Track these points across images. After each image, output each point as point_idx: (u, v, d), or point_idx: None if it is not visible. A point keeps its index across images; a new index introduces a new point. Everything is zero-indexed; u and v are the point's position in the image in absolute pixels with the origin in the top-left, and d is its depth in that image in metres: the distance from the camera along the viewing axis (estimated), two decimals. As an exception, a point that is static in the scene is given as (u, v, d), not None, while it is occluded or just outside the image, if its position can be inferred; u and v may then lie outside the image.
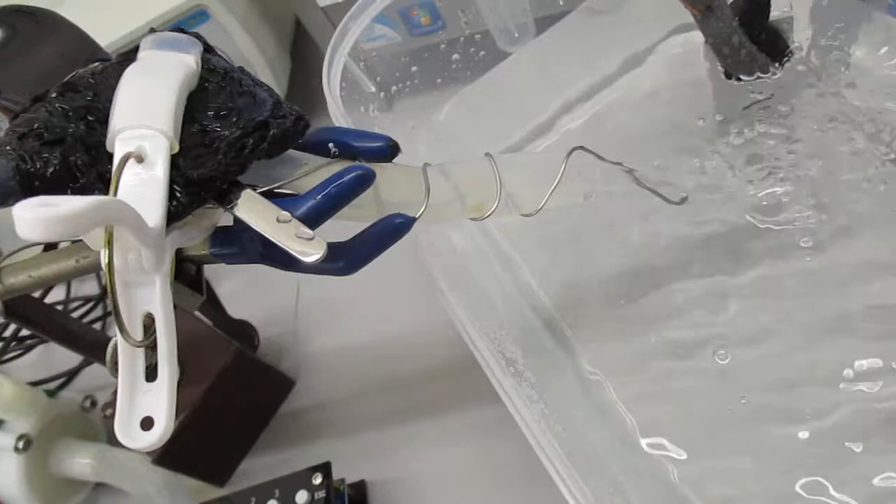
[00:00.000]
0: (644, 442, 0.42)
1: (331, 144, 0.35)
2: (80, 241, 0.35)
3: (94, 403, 0.63)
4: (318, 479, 0.48)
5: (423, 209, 0.35)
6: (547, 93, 0.56)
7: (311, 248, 0.29)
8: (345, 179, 0.31)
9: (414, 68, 0.57)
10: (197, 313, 0.58)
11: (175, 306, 0.31)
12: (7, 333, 0.76)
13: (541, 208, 0.39)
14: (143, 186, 0.29)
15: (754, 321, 0.43)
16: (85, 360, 0.71)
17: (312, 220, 0.31)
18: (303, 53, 0.80)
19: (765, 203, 0.46)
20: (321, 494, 0.48)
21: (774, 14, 0.47)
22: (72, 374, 0.72)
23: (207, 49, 0.35)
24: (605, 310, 0.48)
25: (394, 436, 0.55)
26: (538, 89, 0.56)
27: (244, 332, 0.62)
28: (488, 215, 0.37)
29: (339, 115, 0.45)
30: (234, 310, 0.64)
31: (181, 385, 0.55)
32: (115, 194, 0.28)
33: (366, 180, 0.32)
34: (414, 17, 0.65)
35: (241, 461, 0.59)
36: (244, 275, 0.69)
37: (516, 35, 0.57)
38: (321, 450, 0.58)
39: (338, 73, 0.47)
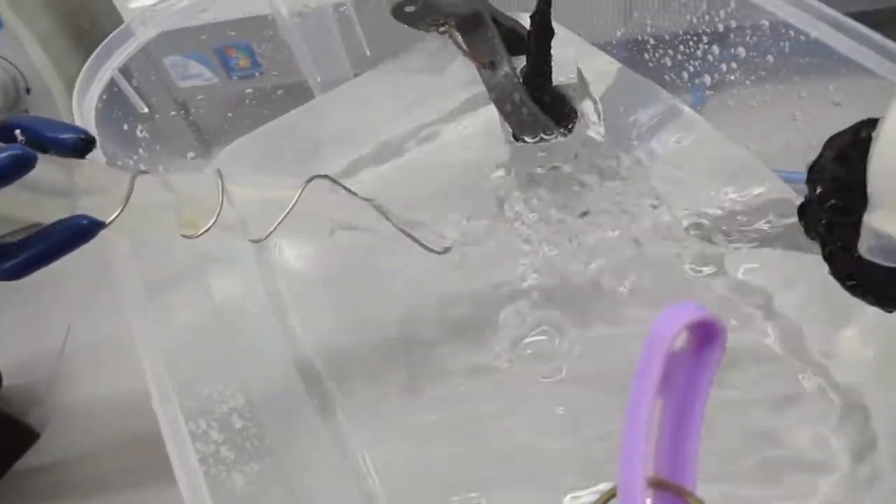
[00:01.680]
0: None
1: (17, 131, 0.31)
2: None
3: None
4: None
5: (116, 214, 0.31)
6: (348, 141, 0.54)
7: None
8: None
9: (199, 100, 0.54)
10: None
11: None
12: None
13: (269, 235, 0.35)
14: None
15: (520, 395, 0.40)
16: None
17: None
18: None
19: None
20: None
21: (560, 79, 0.47)
22: None
23: None
24: (372, 367, 0.44)
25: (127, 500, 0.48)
26: (338, 137, 0.54)
27: (-17, 373, 0.55)
28: (202, 233, 0.34)
29: (83, 125, 0.41)
30: (-12, 350, 0.58)
31: None
32: None
33: (22, 162, 0.28)
34: (232, 58, 0.63)
35: (-43, 523, 0.51)
36: (9, 312, 0.62)
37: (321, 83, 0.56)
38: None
39: (99, 86, 0.44)
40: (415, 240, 0.40)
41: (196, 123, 0.59)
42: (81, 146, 0.31)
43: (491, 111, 0.53)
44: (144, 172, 0.34)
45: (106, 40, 0.45)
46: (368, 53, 0.55)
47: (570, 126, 0.47)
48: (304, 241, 0.45)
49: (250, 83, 0.64)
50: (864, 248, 0.29)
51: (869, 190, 0.28)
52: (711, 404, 0.20)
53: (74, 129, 0.31)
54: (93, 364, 0.58)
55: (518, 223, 0.47)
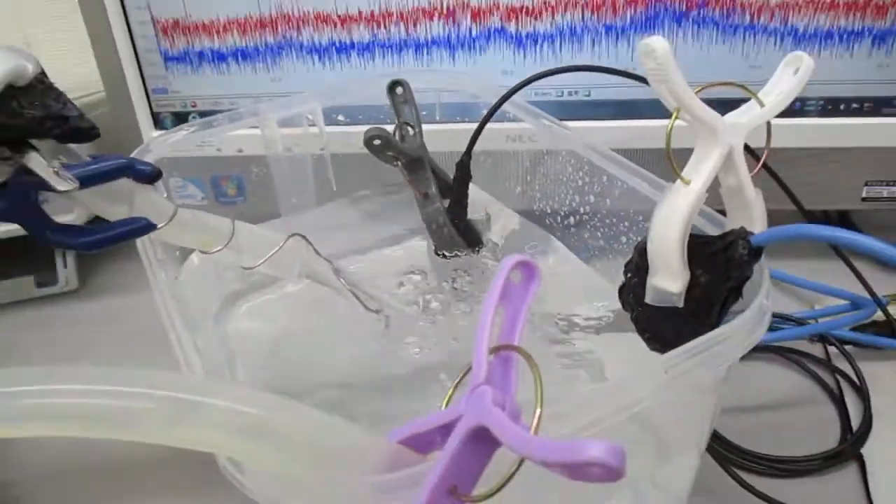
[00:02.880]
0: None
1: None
2: None
3: None
4: None
5: (165, 223, 0.46)
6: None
7: (63, 183, 0.39)
8: (110, 161, 0.43)
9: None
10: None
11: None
12: None
13: (256, 267, 0.50)
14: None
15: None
16: None
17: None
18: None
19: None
20: None
21: (473, 215, 0.65)
22: None
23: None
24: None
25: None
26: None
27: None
28: (214, 252, 0.49)
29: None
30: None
31: None
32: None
33: (122, 169, 0.43)
34: (223, 186, 0.80)
35: None
36: None
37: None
38: None
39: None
40: (357, 298, 0.55)
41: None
42: (155, 174, 0.46)
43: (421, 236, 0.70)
44: (181, 206, 0.49)
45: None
46: (335, 188, 0.73)
47: (477, 249, 0.65)
48: (277, 287, 0.59)
49: (233, 208, 0.81)
50: (649, 298, 0.46)
51: (649, 260, 0.45)
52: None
53: (151, 165, 0.47)
54: None
55: (428, 315, 0.62)
